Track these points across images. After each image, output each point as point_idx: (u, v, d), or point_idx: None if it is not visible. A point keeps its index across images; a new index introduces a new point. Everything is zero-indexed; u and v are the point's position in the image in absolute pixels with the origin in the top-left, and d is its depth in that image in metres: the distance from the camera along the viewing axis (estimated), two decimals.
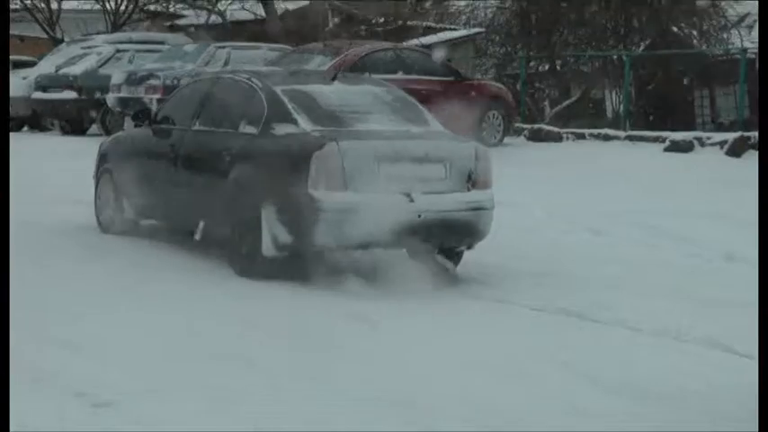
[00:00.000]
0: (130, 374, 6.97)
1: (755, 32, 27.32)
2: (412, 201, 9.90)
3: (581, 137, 21.95)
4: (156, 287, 9.69)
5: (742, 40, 26.15)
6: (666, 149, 19.95)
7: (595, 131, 22.15)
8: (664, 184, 15.44)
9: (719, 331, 8.50)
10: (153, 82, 21.93)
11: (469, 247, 10.59)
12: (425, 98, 18.14)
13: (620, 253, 11.52)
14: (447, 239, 10.38)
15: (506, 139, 20.79)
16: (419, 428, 6.27)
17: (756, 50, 25.87)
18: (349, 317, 8.79)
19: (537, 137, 22.07)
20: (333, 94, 10.90)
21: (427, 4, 29.55)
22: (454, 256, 10.71)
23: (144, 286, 9.71)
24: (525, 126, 22.78)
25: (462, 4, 30.58)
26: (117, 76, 23.18)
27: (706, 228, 12.36)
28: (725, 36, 26.92)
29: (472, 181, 10.36)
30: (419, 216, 9.93)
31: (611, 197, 14.24)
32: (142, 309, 8.78)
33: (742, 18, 26.86)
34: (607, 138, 21.69)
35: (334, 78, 11.46)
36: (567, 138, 21.98)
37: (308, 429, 6.13)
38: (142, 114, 12.65)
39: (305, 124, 10.23)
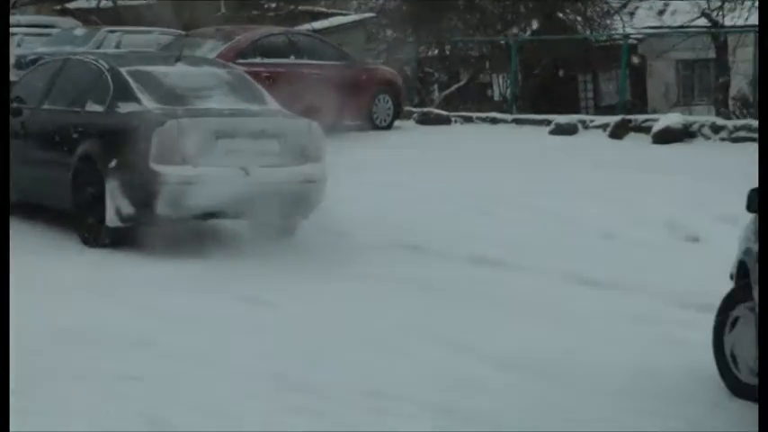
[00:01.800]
0: None
1: (637, 19, 27.79)
2: (248, 174, 10.40)
3: (469, 120, 22.08)
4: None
5: (624, 27, 26.54)
6: (551, 132, 20.13)
7: (483, 115, 22.30)
8: (548, 166, 15.56)
9: (598, 304, 8.75)
10: None
11: (305, 217, 11.00)
12: (317, 81, 18.21)
13: (510, 231, 11.64)
14: (282, 209, 10.61)
15: (397, 122, 20.81)
16: (316, 406, 6.29)
17: (638, 36, 26.34)
18: (207, 287, 8.98)
19: (426, 120, 22.14)
20: (176, 74, 11.49)
21: None
22: (291, 225, 11.11)
23: None
24: (415, 109, 22.88)
25: None
26: None
27: (588, 207, 12.53)
28: (608, 22, 27.28)
29: (305, 155, 10.84)
30: (254, 188, 10.39)
31: (498, 178, 14.34)
32: None
33: (624, 4, 27.24)
34: (494, 121, 21.84)
35: (177, 60, 12.08)
36: (456, 121, 22.09)
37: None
38: None
39: (148, 103, 10.75)
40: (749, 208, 6.79)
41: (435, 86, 26.60)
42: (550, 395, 6.71)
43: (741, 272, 7.10)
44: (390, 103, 20.84)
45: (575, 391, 6.79)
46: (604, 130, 19.67)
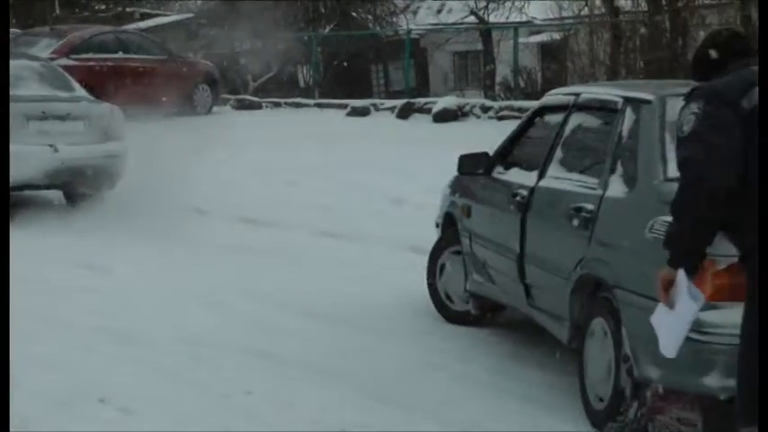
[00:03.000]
0: None
1: (419, 17, 28.10)
2: (57, 151, 10.53)
3: (278, 105, 22.04)
4: None
5: (408, 23, 26.81)
6: (348, 114, 20.24)
7: (290, 100, 22.30)
8: (346, 143, 15.67)
9: (388, 260, 8.82)
10: None
11: (111, 188, 11.09)
12: (143, 74, 17.97)
13: (314, 200, 11.69)
14: (89, 181, 10.86)
15: (215, 109, 20.70)
16: (142, 354, 6.23)
17: (420, 32, 26.64)
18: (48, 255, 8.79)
19: (241, 106, 22.05)
20: None
21: None
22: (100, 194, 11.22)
23: None
24: (231, 96, 22.73)
25: None
26: None
27: (380, 177, 12.65)
28: (394, 20, 27.53)
29: (108, 135, 11.03)
30: (62, 162, 10.60)
31: (303, 155, 14.37)
32: None
33: (408, 5, 27.52)
34: (299, 105, 21.86)
35: None
36: (267, 106, 22.03)
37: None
38: None
39: None
40: (460, 170, 7.06)
41: (249, 76, 26.35)
42: (335, 335, 6.83)
43: (447, 221, 7.45)
44: (209, 91, 20.71)
45: (343, 328, 6.97)
46: (392, 112, 19.86)
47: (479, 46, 25.12)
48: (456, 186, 7.43)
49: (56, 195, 11.47)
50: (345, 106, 20.66)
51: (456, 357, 6.36)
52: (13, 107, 10.06)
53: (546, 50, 24.87)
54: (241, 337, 6.59)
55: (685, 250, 3.88)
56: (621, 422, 5.05)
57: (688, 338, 4.18)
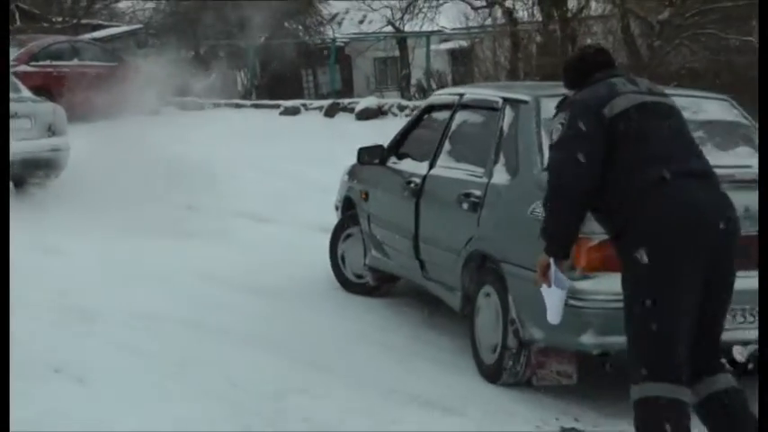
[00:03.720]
0: None
1: (344, 27, 28.02)
2: None
3: (218, 105, 21.83)
4: None
5: (333, 33, 26.75)
6: (281, 113, 20.07)
7: (229, 101, 22.10)
8: (279, 139, 15.64)
9: (316, 241, 8.77)
10: None
11: (56, 176, 11.11)
12: (95, 78, 17.72)
13: (252, 189, 11.68)
14: (37, 172, 10.91)
15: (162, 110, 20.44)
16: (95, 328, 6.17)
17: (344, 40, 26.60)
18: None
19: (186, 107, 21.83)
20: None
21: (97, 6, 28.56)
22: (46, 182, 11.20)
23: None
24: (176, 98, 22.48)
25: (125, 5, 29.95)
26: None
27: (309, 168, 12.65)
28: (321, 30, 27.45)
29: (52, 131, 11.00)
30: (11, 156, 10.23)
31: (241, 149, 14.29)
32: None
33: (333, 16, 27.44)
34: (238, 106, 21.59)
35: None
36: (208, 107, 21.83)
37: None
38: None
39: None
40: (359, 160, 7.11)
41: (193, 80, 26.10)
42: (268, 308, 6.87)
43: (347, 204, 7.54)
44: (156, 94, 20.47)
45: (275, 302, 7.01)
46: (321, 111, 19.78)
47: (396, 53, 25.16)
48: (354, 174, 7.50)
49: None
50: (279, 106, 20.53)
51: (376, 327, 6.43)
52: None
53: (455, 56, 24.99)
54: (184, 311, 6.57)
55: (555, 242, 3.95)
56: (510, 375, 5.20)
57: (566, 304, 4.30)
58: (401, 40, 24.23)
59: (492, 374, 5.33)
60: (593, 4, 17.47)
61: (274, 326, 6.37)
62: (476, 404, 4.97)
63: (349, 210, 7.53)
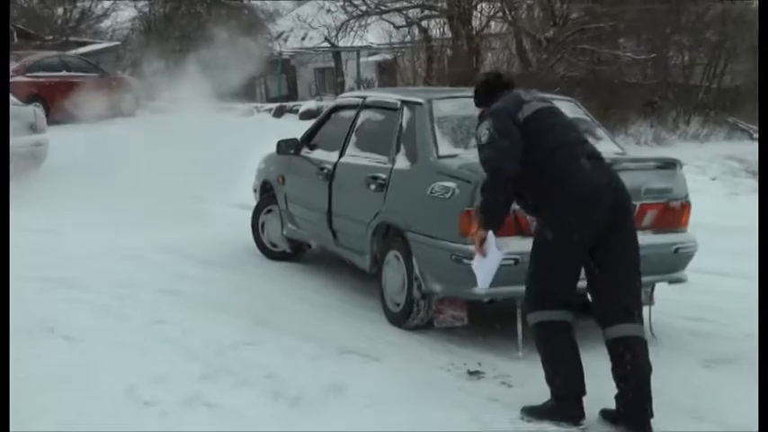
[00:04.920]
0: None
1: (289, 42, 27.76)
2: None
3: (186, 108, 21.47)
4: None
5: (280, 47, 26.53)
6: (238, 115, 19.94)
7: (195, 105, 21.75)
8: (235, 135, 15.47)
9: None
10: None
11: (36, 168, 11.02)
12: (81, 87, 17.37)
13: (213, 176, 11.28)
14: (21, 163, 10.48)
15: (138, 112, 20.13)
16: (79, 293, 6.09)
17: (290, 53, 26.36)
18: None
19: (157, 110, 21.45)
20: None
21: (82, 26, 27.97)
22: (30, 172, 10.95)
23: None
24: (149, 103, 22.10)
25: (106, 25, 29.37)
26: None
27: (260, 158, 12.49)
28: (270, 44, 27.17)
29: (33, 129, 11.14)
30: None
31: (203, 143, 14.09)
32: None
33: (280, 34, 27.22)
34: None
35: None
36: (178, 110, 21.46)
37: None
38: None
39: None
40: (277, 151, 7.06)
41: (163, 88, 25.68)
42: (222, 278, 6.82)
43: (265, 187, 7.51)
44: (134, 99, 20.18)
45: (228, 273, 6.93)
46: (270, 113, 19.66)
47: (332, 64, 25.04)
48: (270, 162, 7.46)
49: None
50: (234, 109, 20.30)
51: (315, 291, 6.43)
52: None
53: (381, 67, 24.94)
54: (155, 281, 6.53)
55: (491, 217, 4.04)
56: (414, 320, 5.34)
57: (462, 263, 4.37)
58: (336, 53, 24.13)
59: (398, 321, 5.43)
60: (492, 24, 17.51)
61: (228, 293, 6.33)
62: (393, 353, 5.01)
63: (266, 192, 7.49)
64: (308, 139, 6.93)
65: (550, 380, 3.97)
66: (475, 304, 5.12)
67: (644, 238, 4.21)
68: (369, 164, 5.83)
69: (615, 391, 3.93)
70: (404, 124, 5.65)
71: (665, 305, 5.56)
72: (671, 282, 5.21)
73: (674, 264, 5.13)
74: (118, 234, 8.06)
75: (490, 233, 4.03)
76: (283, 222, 7.14)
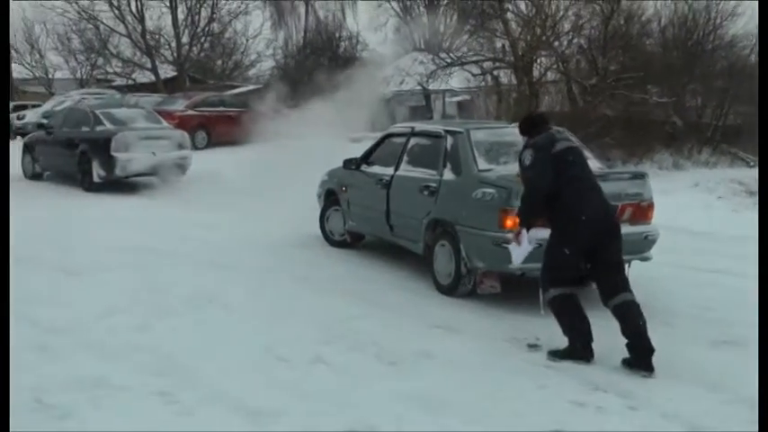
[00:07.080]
0: None
1: (390, 86, 27.80)
2: (155, 155, 11.09)
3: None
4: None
5: (384, 90, 26.62)
6: (351, 141, 19.80)
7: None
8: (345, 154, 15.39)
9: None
10: None
11: (183, 174, 11.42)
12: (233, 119, 17.83)
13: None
14: (171, 171, 11.19)
15: (275, 138, 20.30)
16: (231, 275, 6.05)
17: (390, 95, 26.42)
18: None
19: (290, 137, 21.39)
20: (122, 112, 12.21)
21: (234, 73, 28.81)
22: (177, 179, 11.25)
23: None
24: (286, 132, 22.27)
25: (252, 73, 30.23)
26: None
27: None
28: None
29: (180, 146, 11.42)
30: (158, 161, 10.93)
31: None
32: None
33: (384, 79, 27.32)
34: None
35: (121, 105, 13.30)
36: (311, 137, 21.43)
37: None
38: None
39: (108, 125, 11.38)
40: (344, 166, 7.04)
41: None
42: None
43: (329, 194, 7.37)
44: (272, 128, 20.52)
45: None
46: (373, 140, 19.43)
47: (423, 103, 25.02)
48: (333, 175, 7.40)
49: (151, 180, 11.49)
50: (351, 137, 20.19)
51: (406, 278, 6.30)
52: (134, 133, 11.11)
53: (462, 106, 24.74)
54: (290, 268, 6.43)
55: (526, 218, 4.39)
56: (462, 291, 5.54)
57: (500, 246, 4.87)
58: (426, 95, 24.07)
59: (449, 291, 5.58)
60: (548, 73, 17.31)
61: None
62: (469, 328, 4.91)
63: (329, 197, 7.46)
64: (366, 158, 6.93)
65: (566, 332, 4.26)
66: (509, 276, 5.23)
67: (623, 229, 4.39)
68: (421, 176, 5.95)
69: (621, 347, 4.13)
70: (448, 147, 5.80)
71: (678, 297, 5.48)
72: (642, 260, 5.40)
73: (643, 247, 5.39)
74: (255, 229, 7.98)
75: (524, 230, 4.32)
76: (345, 220, 7.17)
